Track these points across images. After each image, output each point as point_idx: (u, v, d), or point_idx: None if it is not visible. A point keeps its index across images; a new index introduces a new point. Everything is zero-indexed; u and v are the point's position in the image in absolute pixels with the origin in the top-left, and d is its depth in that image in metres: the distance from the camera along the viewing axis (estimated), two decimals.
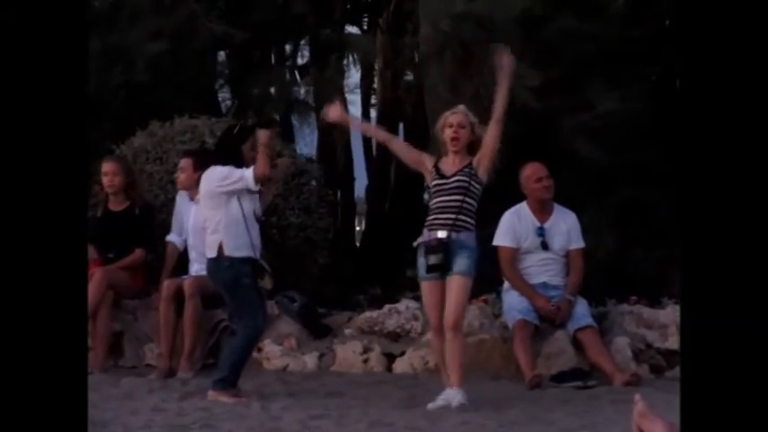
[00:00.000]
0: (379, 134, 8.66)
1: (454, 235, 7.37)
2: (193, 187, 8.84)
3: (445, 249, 7.33)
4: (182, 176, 9.13)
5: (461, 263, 7.35)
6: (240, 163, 7.73)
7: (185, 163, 9.10)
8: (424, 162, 7.62)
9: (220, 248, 7.68)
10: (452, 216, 7.39)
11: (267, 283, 7.79)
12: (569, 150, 9.72)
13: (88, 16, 10.72)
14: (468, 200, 7.41)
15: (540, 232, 8.81)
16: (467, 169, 7.45)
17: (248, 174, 7.66)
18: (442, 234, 7.38)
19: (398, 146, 8.02)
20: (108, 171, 9.36)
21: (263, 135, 7.77)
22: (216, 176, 7.73)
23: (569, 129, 9.75)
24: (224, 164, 7.75)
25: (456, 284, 7.36)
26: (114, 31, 11.04)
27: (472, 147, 7.51)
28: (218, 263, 7.71)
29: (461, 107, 7.62)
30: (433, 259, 7.34)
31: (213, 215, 7.75)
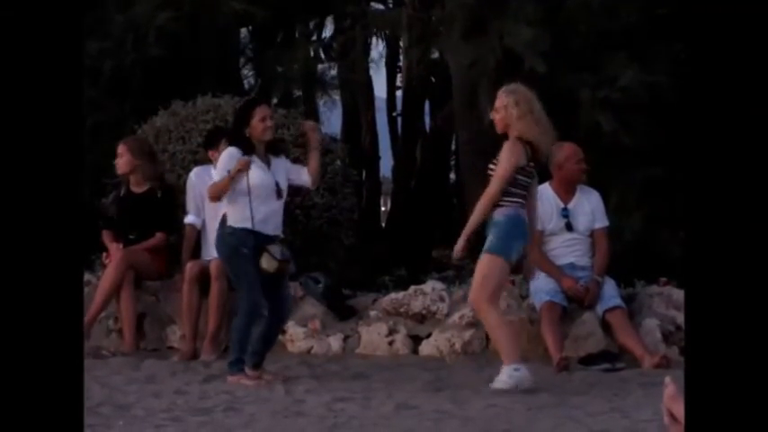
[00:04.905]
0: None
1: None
2: None
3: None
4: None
5: (487, 241, 7.40)
6: (244, 141, 7.70)
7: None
8: None
9: (223, 219, 7.68)
10: None
11: (265, 263, 7.63)
12: (594, 128, 9.60)
13: None
14: None
15: (565, 213, 8.73)
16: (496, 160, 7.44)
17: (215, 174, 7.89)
18: None
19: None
20: (117, 152, 9.26)
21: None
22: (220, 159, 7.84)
23: (589, 103, 9.64)
24: (231, 144, 7.83)
25: (479, 262, 7.41)
26: (132, 7, 10.94)
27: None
28: (221, 232, 7.71)
29: (506, 87, 7.49)
30: None
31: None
